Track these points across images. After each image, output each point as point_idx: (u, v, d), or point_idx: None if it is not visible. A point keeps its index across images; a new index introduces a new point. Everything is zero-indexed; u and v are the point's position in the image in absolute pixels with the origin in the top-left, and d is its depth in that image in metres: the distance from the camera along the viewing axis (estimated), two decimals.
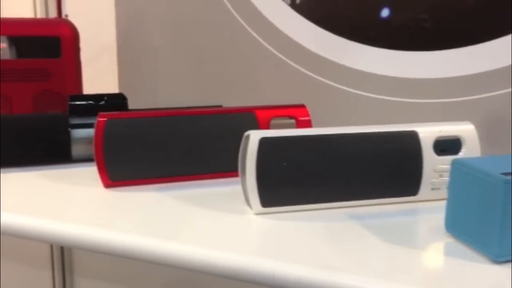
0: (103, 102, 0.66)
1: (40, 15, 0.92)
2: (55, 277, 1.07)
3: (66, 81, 0.75)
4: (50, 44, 0.73)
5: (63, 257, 1.06)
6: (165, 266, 0.43)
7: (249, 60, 0.76)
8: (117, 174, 0.55)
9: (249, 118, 0.60)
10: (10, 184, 0.59)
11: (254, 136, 0.48)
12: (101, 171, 0.55)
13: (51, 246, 1.06)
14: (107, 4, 0.86)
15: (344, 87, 0.70)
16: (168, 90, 0.84)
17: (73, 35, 0.75)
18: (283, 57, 0.73)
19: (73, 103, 0.64)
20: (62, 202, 0.53)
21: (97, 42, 0.89)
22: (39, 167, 0.64)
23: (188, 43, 0.81)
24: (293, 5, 0.71)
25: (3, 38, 0.71)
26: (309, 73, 0.72)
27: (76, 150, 0.64)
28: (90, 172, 0.62)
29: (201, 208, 0.51)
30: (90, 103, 0.65)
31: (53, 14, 0.92)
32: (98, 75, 0.89)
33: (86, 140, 0.64)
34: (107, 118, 0.54)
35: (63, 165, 0.65)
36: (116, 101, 0.66)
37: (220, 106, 0.72)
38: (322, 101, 0.71)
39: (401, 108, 0.68)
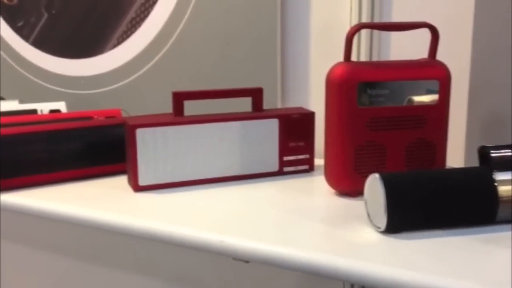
0: None
1: (364, 56, 0.87)
2: None
3: (439, 129, 0.68)
4: (426, 88, 0.66)
5: None
6: None
7: None
8: None
9: None
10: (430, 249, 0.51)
11: None
12: None
13: None
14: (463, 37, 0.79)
15: None
16: None
17: (449, 77, 0.67)
18: None
19: (495, 154, 0.57)
20: None
21: None
22: (451, 229, 0.56)
23: None
24: None
25: (383, 84, 0.65)
26: None
27: (503, 210, 0.56)
28: None
29: None
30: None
31: (375, 54, 0.87)
32: None
33: None
34: None
35: (479, 227, 0.56)
36: None
37: None
38: None
39: None
